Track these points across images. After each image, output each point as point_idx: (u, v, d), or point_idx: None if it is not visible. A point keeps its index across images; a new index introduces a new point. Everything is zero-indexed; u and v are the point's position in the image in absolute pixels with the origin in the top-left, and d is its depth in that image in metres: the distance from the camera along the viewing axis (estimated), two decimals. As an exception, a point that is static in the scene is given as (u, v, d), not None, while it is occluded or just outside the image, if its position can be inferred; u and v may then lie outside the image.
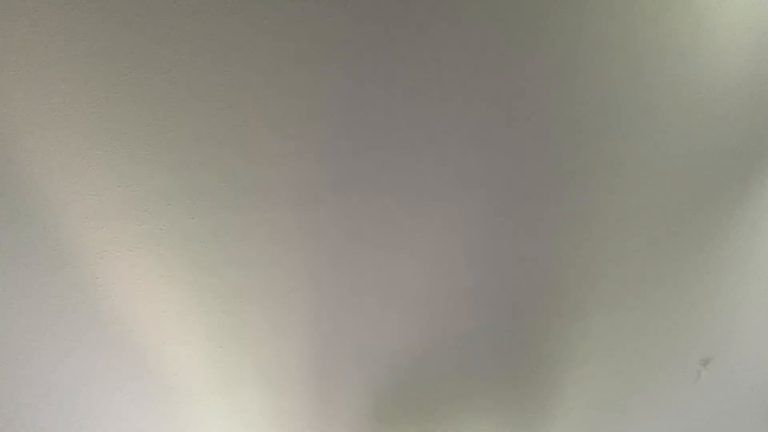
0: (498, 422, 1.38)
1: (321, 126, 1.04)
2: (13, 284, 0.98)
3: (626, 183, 1.25)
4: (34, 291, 1.00)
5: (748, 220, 1.36)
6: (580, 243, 1.27)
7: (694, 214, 1.33)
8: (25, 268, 0.98)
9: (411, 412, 1.32)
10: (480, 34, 1.04)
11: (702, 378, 1.45)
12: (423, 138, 1.09)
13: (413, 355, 1.26)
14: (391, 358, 1.24)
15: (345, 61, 1.00)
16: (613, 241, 1.29)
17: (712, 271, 1.39)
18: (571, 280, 1.29)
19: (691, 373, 1.45)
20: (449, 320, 1.26)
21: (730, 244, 1.38)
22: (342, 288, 1.17)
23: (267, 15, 0.94)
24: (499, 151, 1.15)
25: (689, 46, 1.17)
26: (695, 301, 1.40)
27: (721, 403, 1.49)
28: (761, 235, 1.39)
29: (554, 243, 1.25)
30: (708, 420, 1.48)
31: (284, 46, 0.97)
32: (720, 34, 1.18)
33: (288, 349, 1.18)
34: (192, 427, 1.20)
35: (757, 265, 1.42)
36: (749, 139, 1.31)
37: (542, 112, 1.14)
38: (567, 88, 1.13)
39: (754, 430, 1.52)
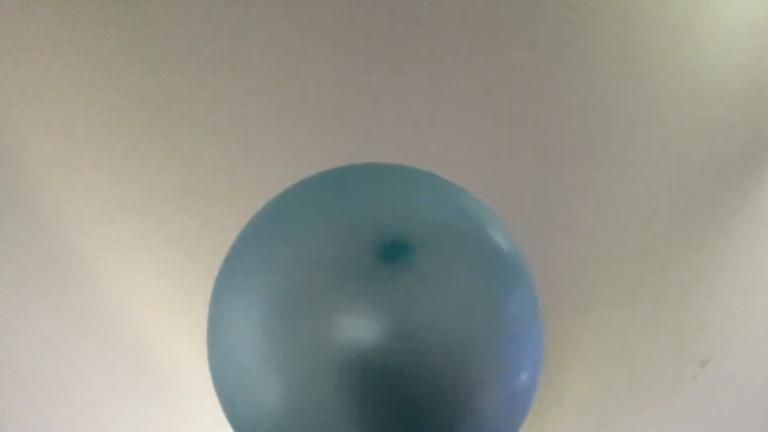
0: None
1: (325, 122, 1.04)
2: (9, 283, 0.97)
3: (626, 182, 1.25)
4: (30, 290, 0.99)
5: (748, 219, 1.37)
6: (578, 242, 1.27)
7: (692, 214, 1.33)
8: (21, 267, 0.97)
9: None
10: (481, 33, 1.04)
11: (700, 379, 1.45)
12: (424, 136, 1.09)
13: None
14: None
15: (350, 53, 1.00)
16: (611, 240, 1.29)
17: (711, 271, 1.40)
18: (568, 279, 1.30)
19: (689, 374, 1.45)
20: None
21: (729, 243, 1.38)
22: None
23: (268, 10, 0.94)
24: (502, 151, 1.15)
25: (689, 45, 1.17)
26: (693, 301, 1.40)
27: (719, 405, 1.49)
28: (761, 235, 1.39)
29: (553, 242, 1.25)
30: (705, 421, 1.49)
31: (286, 39, 0.96)
32: (720, 35, 1.19)
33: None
34: (190, 425, 1.20)
35: (756, 265, 1.42)
36: (751, 140, 1.31)
37: (545, 113, 1.14)
38: (568, 89, 1.13)
39: (751, 432, 1.53)
